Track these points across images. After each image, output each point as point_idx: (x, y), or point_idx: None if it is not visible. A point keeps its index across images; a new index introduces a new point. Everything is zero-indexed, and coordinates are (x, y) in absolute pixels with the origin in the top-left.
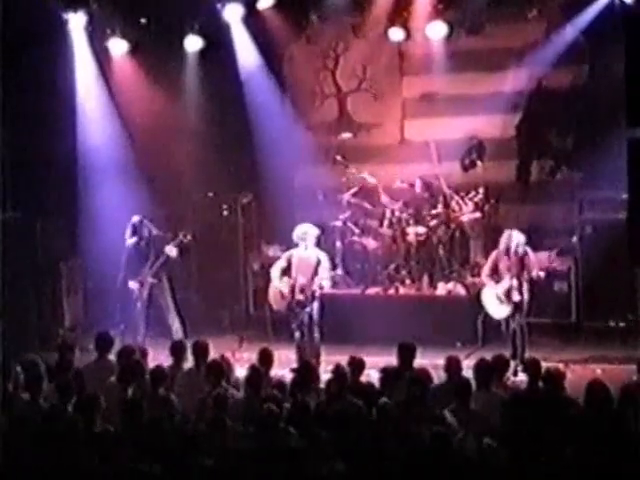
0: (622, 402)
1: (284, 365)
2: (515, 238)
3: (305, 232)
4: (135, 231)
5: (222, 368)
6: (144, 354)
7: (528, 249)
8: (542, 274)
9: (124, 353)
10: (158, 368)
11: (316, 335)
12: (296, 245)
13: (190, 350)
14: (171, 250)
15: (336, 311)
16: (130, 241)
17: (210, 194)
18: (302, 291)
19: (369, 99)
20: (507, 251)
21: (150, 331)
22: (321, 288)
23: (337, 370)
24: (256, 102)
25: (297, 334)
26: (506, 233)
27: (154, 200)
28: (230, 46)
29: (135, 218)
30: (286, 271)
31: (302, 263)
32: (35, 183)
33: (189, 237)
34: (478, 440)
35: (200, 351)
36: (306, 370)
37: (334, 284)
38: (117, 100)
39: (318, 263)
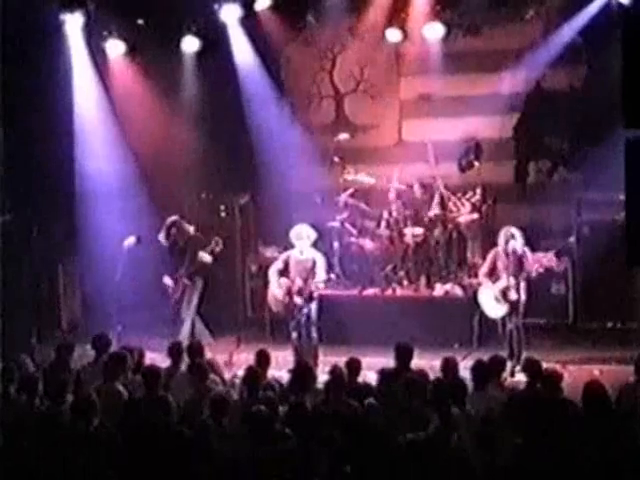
0: (620, 403)
1: (281, 366)
2: (512, 239)
3: (301, 233)
4: (169, 232)
5: (205, 369)
6: (141, 355)
7: (526, 249)
8: (540, 270)
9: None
10: (152, 367)
11: (314, 336)
12: (292, 246)
13: (185, 351)
14: (204, 256)
15: (334, 312)
16: (164, 242)
17: (208, 195)
18: (299, 293)
19: (366, 100)
20: (505, 250)
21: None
22: (317, 289)
23: (334, 371)
24: (253, 103)
25: (294, 335)
26: (503, 230)
27: (151, 201)
28: (227, 47)
29: (171, 219)
30: (283, 273)
31: (299, 265)
32: (32, 184)
33: (220, 245)
34: (475, 441)
35: (195, 352)
36: (303, 371)
37: (330, 285)
38: (114, 101)
39: (314, 265)
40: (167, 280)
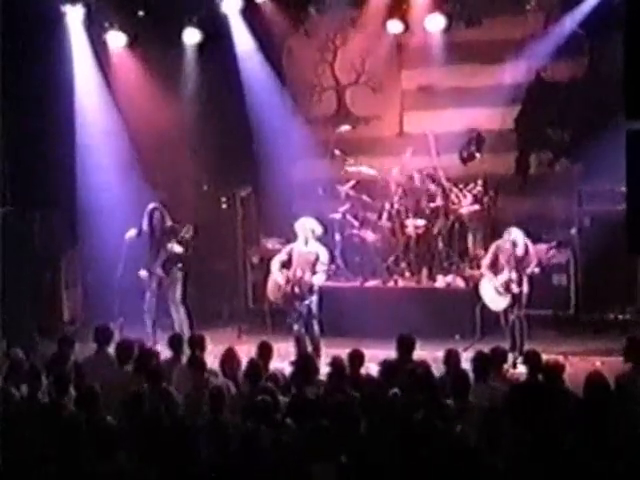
0: (620, 392)
1: (283, 358)
2: (514, 235)
3: (305, 225)
4: (151, 220)
5: (202, 362)
6: (142, 347)
7: (528, 242)
8: (536, 270)
9: (122, 345)
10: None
11: (316, 328)
12: (296, 238)
13: (186, 343)
14: (173, 246)
15: (335, 304)
16: (144, 231)
17: (209, 187)
18: (299, 284)
19: (368, 92)
20: (507, 243)
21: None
22: (316, 281)
23: (335, 363)
24: (254, 95)
25: (295, 327)
26: (508, 232)
27: (153, 193)
28: (228, 39)
29: (151, 205)
30: (286, 264)
31: (301, 257)
32: (34, 176)
33: (191, 232)
34: (477, 431)
35: (196, 344)
36: (305, 362)
37: (331, 277)
38: (115, 93)
39: (317, 258)
40: (142, 273)
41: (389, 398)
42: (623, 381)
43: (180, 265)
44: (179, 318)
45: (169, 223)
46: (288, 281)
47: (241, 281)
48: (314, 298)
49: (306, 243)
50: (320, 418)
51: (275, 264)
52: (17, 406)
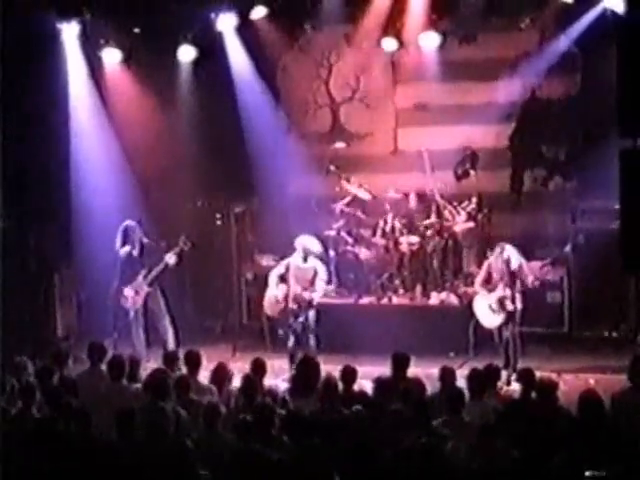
0: (614, 410)
1: (277, 375)
2: (507, 252)
3: (305, 243)
4: (126, 237)
5: (186, 383)
6: (136, 363)
7: (522, 260)
8: (536, 283)
9: (114, 362)
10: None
11: (312, 343)
12: (291, 254)
13: (182, 360)
14: (171, 258)
15: (329, 320)
16: (124, 249)
17: (203, 204)
18: (295, 300)
19: (362, 109)
20: (500, 260)
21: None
22: (314, 298)
23: (327, 380)
24: (249, 112)
25: (289, 343)
26: (499, 247)
27: (148, 210)
28: (223, 56)
29: (127, 222)
30: (283, 278)
31: (299, 273)
32: (28, 192)
33: (189, 244)
34: (471, 449)
35: (192, 361)
36: (304, 370)
37: (326, 295)
38: (110, 109)
39: (315, 275)
40: (128, 291)
41: (380, 416)
42: (619, 399)
43: (161, 279)
44: (168, 334)
45: (145, 240)
46: (286, 296)
47: (235, 297)
48: (310, 314)
49: (305, 260)
50: (314, 436)
51: (273, 278)
52: (16, 421)
